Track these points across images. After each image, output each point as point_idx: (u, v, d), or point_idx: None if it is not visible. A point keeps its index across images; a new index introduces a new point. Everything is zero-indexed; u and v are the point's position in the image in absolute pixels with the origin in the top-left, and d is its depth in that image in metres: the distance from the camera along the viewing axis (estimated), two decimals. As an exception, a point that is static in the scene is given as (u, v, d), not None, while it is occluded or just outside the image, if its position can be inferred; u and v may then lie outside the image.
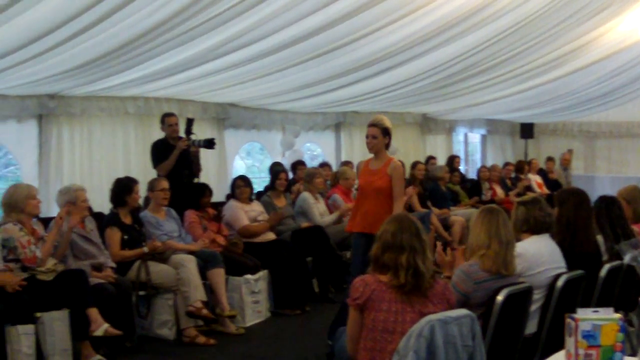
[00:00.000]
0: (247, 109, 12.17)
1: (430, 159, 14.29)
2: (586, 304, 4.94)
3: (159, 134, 9.38)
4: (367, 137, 7.09)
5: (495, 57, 11.46)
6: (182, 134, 8.78)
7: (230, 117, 11.73)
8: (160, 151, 8.73)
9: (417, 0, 8.46)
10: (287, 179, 9.62)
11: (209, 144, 8.83)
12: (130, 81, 9.26)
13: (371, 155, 7.22)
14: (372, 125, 7.08)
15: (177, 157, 8.56)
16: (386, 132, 7.06)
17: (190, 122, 8.89)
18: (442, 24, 9.32)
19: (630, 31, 12.23)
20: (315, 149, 14.97)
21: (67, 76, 8.48)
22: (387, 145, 7.15)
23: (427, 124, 16.26)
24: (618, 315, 3.18)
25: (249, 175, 9.83)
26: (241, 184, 8.86)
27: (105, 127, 10.10)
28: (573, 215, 5.57)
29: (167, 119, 8.93)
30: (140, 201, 8.15)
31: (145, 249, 7.36)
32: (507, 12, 9.56)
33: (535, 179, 15.41)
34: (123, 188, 7.57)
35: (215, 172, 11.18)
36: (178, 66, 8.84)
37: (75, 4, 6.30)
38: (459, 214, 11.87)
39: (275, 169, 10.05)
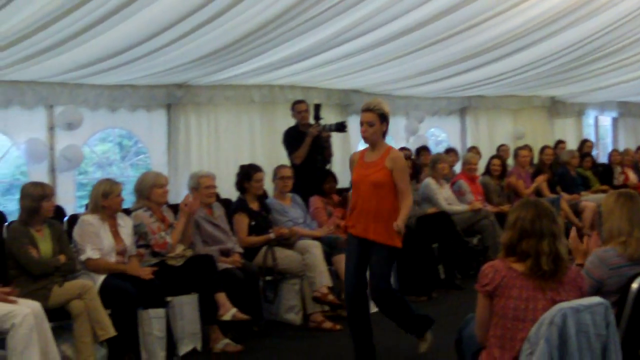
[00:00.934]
0: (370, 95, 12.12)
1: (559, 143, 13.87)
2: None
3: (283, 122, 9.47)
4: (361, 124, 5.88)
5: (626, 38, 11.03)
6: (311, 120, 8.83)
7: (353, 103, 11.72)
8: (293, 139, 8.82)
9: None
10: (412, 165, 9.52)
11: (341, 127, 8.84)
12: (255, 69, 9.39)
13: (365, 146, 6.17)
14: (367, 110, 5.85)
15: (309, 143, 8.62)
16: (384, 118, 5.86)
17: (317, 108, 8.92)
18: (568, 5, 9.05)
19: None
20: (440, 134, 14.81)
21: (194, 66, 8.67)
22: (385, 134, 5.99)
23: (555, 107, 15.79)
24: None
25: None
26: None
27: (231, 115, 10.29)
28: None
29: (296, 106, 9.01)
30: (267, 188, 8.23)
31: (272, 235, 7.44)
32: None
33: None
34: (243, 175, 7.67)
35: (340, 158, 11.20)
36: (302, 54, 8.91)
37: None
38: (590, 200, 11.47)
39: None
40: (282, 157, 9.28)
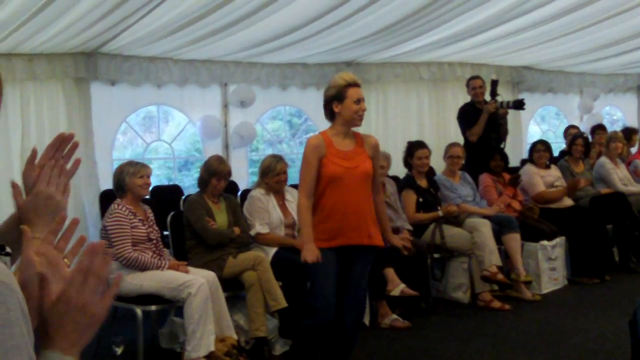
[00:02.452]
0: (543, 71, 11.85)
1: None
2: None
3: (453, 99, 9.39)
4: (357, 101, 4.80)
5: None
6: (487, 97, 8.70)
7: (525, 80, 11.49)
8: (468, 115, 8.71)
9: None
10: (584, 144, 9.21)
11: (519, 104, 8.65)
12: (424, 46, 9.35)
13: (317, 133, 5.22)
14: (358, 85, 4.89)
15: (486, 120, 8.49)
16: None
17: (495, 84, 8.76)
18: None
19: None
20: (616, 113, 14.26)
21: (363, 43, 8.72)
22: None
23: None
24: None
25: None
26: (541, 148, 8.60)
27: (399, 92, 10.31)
28: None
29: (472, 82, 8.86)
30: (435, 165, 8.17)
31: (440, 213, 7.39)
32: None
33: None
34: (408, 151, 7.65)
35: (511, 137, 10.99)
36: (472, 29, 8.77)
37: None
38: None
39: (572, 133, 9.68)
40: (451, 135, 9.20)
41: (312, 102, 9.76)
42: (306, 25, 7.68)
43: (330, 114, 4.90)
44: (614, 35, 10.01)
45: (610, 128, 12.18)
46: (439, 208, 7.44)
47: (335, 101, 4.82)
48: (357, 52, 9.35)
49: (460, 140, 8.65)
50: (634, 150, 10.70)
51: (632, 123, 13.08)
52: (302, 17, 7.45)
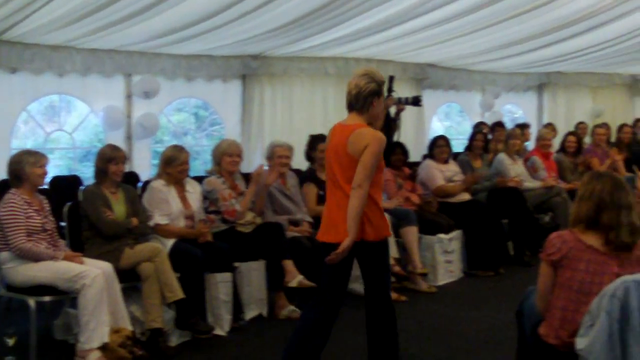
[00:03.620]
0: (446, 69, 12.06)
1: (638, 121, 13.56)
2: None
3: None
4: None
5: None
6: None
7: (428, 77, 11.66)
8: None
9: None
10: (484, 140, 9.44)
11: (416, 101, 8.78)
12: (330, 41, 9.41)
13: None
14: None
15: (386, 116, 8.61)
16: None
17: (391, 80, 8.87)
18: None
19: None
20: (517, 111, 14.61)
21: (269, 37, 8.74)
22: None
23: (636, 85, 15.43)
24: None
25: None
26: (442, 143, 8.78)
27: (305, 87, 10.36)
28: None
29: None
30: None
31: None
32: None
33: None
34: (310, 145, 7.73)
35: (413, 132, 11.18)
36: (378, 25, 8.88)
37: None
38: (668, 180, 11.20)
39: (474, 130, 9.92)
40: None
41: (218, 94, 9.75)
42: (212, 17, 7.65)
43: (363, 106, 4.72)
44: (515, 35, 10.26)
45: (510, 125, 12.51)
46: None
47: (376, 96, 4.74)
48: (263, 46, 9.36)
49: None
50: (529, 145, 11.03)
51: (532, 121, 13.46)
52: (209, 8, 7.42)
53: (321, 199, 7.47)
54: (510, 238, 8.88)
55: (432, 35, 9.69)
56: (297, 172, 8.05)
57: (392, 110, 8.57)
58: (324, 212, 4.76)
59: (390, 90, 8.69)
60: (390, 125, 8.67)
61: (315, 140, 7.67)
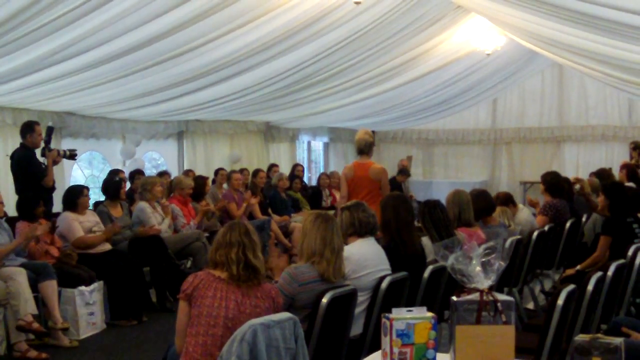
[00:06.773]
0: (86, 117, 11.88)
1: (273, 166, 14.43)
2: (411, 304, 5.12)
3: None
4: None
5: (334, 66, 11.71)
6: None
7: (68, 125, 11.44)
8: (33, 164, 8.67)
9: (256, 10, 8.55)
10: (121, 187, 9.49)
11: (72, 156, 8.86)
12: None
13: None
14: None
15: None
16: None
17: (50, 131, 8.76)
18: (280, 34, 9.48)
19: (464, 42, 12.80)
20: (159, 158, 14.80)
21: None
22: None
23: (270, 132, 16.37)
24: (430, 314, 3.26)
25: (90, 185, 9.68)
26: (87, 193, 8.68)
27: None
28: (394, 218, 5.81)
29: (37, 128, 8.75)
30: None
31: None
32: (343, 24, 9.83)
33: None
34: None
35: (57, 182, 10.89)
36: (12, 73, 8.56)
37: None
38: (299, 221, 12.01)
39: (107, 177, 9.95)
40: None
41: None
42: None
43: (369, 152, 8.53)
44: (151, 84, 10.38)
45: (152, 172, 12.68)
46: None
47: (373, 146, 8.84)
48: None
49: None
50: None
51: (173, 167, 13.74)
52: None
53: None
54: (152, 285, 8.96)
55: (69, 83, 9.49)
56: None
57: (48, 160, 8.52)
58: None
59: (49, 141, 8.60)
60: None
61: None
